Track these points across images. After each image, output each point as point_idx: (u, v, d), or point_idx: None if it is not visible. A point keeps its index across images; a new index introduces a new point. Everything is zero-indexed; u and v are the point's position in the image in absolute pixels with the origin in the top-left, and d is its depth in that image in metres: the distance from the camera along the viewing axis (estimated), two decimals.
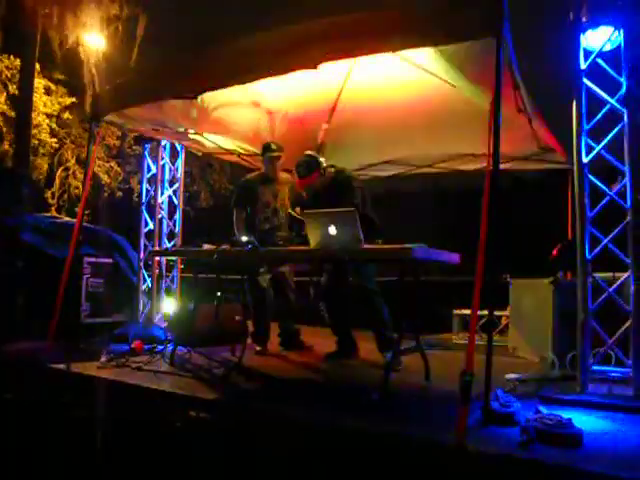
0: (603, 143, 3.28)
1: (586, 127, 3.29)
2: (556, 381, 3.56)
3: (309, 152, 4.25)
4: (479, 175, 5.63)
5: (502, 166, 4.96)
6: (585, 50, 3.27)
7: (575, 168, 3.29)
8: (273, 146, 4.75)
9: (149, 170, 5.93)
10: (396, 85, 4.36)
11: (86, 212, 6.44)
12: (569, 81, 3.24)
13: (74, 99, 12.08)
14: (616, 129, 3.26)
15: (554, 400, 3.00)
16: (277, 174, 4.86)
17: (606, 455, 2.19)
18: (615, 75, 3.26)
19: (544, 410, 2.61)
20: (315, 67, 3.31)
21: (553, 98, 3.64)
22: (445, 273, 7.05)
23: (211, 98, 4.50)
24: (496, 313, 5.80)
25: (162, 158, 5.92)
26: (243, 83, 3.76)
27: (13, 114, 10.89)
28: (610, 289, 3.24)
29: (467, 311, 6.02)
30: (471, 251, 2.83)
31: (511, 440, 2.29)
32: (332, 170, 4.24)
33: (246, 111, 4.96)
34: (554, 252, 4.65)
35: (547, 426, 2.31)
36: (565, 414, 2.48)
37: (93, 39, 10.66)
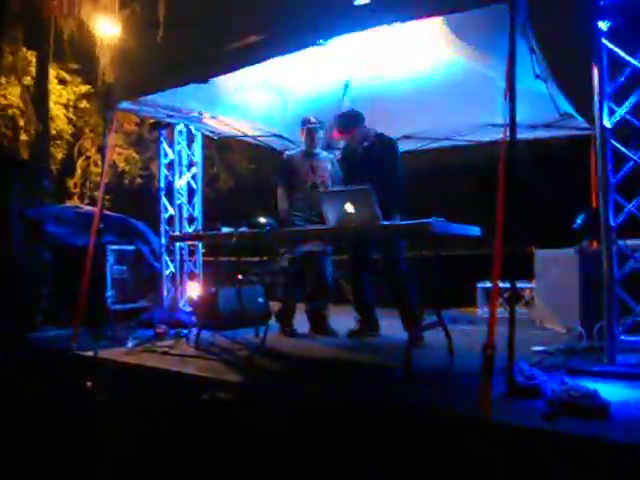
0: (625, 106, 3.17)
1: (608, 90, 3.18)
2: (584, 352, 3.51)
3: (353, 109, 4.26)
4: (500, 146, 5.53)
5: (522, 135, 4.91)
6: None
7: (597, 133, 3.19)
8: (312, 119, 4.66)
9: (166, 156, 5.95)
10: (409, 57, 4.27)
11: (107, 198, 6.49)
12: (587, 42, 3.13)
13: (89, 87, 12.15)
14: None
15: (581, 372, 2.96)
16: (317, 149, 4.78)
17: (634, 425, 2.15)
18: None
19: (570, 382, 2.57)
20: (323, 44, 3.24)
21: (571, 62, 3.53)
22: (470, 247, 6.98)
23: (223, 82, 4.46)
24: (522, 285, 5.73)
25: (178, 143, 5.93)
26: (253, 64, 3.70)
27: (29, 107, 11.00)
28: (636, 255, 3.16)
29: (490, 284, 5.94)
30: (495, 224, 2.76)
31: (536, 412, 2.27)
32: (373, 133, 4.27)
33: (259, 93, 4.92)
34: (577, 221, 4.55)
35: (572, 398, 2.27)
36: (593, 385, 2.44)
37: (106, 27, 10.67)
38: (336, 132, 4.25)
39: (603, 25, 3.13)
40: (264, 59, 3.56)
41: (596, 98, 3.16)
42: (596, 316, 3.56)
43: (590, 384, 2.49)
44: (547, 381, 2.63)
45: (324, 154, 4.90)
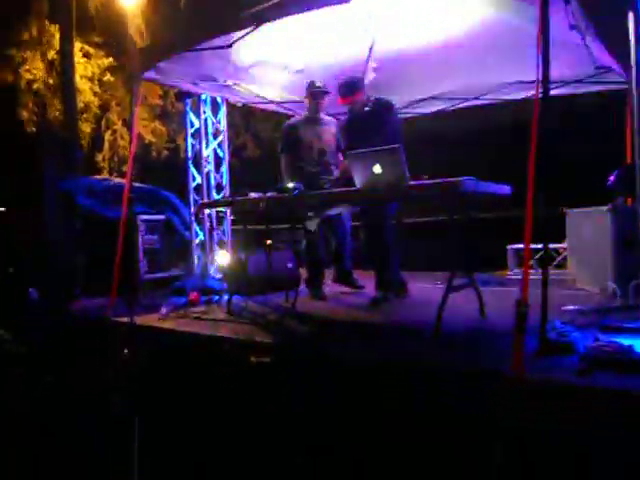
0: None
1: None
2: (618, 311, 3.46)
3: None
4: (529, 104, 5.38)
5: (554, 91, 4.78)
6: None
7: (633, 82, 3.07)
8: (318, 83, 4.59)
9: (192, 125, 5.97)
10: (435, 13, 4.15)
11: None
12: None
13: (111, 59, 12.15)
14: None
15: (615, 329, 2.91)
16: (320, 114, 4.74)
17: None
18: None
19: (604, 338, 2.54)
20: (347, 1, 3.17)
21: (610, 9, 3.37)
22: (498, 209, 6.87)
23: (245, 55, 4.43)
24: (554, 246, 5.65)
25: (204, 112, 5.93)
26: (275, 19, 3.63)
27: (53, 81, 11.09)
28: None
29: (521, 245, 5.89)
30: (525, 185, 2.72)
31: (570, 368, 2.26)
32: (373, 98, 4.28)
33: (279, 71, 4.90)
34: (611, 178, 4.42)
35: (607, 353, 2.26)
36: (627, 342, 2.41)
37: None
38: (339, 98, 4.24)
39: None
40: (287, 14, 3.51)
41: (633, 47, 3.04)
42: (630, 274, 3.50)
43: (625, 340, 2.46)
44: (580, 338, 2.61)
45: (328, 118, 4.85)
